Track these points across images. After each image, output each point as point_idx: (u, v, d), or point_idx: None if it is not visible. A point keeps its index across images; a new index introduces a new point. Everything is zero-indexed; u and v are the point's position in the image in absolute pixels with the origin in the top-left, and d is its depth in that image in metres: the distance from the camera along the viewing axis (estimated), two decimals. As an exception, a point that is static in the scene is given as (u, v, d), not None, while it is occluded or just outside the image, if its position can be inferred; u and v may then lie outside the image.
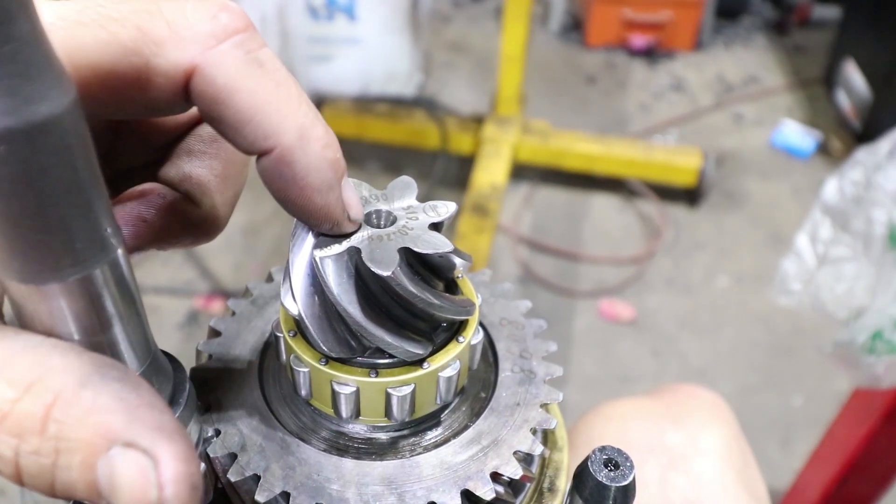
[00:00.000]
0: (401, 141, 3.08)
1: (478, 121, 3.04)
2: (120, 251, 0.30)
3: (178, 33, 0.32)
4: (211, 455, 0.39)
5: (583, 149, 2.96)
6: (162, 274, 2.62)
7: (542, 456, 0.46)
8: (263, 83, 0.33)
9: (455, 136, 3.02)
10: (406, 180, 0.41)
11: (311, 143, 0.33)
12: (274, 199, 0.36)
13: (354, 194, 0.36)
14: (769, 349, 2.49)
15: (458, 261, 0.40)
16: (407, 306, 0.37)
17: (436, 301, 0.37)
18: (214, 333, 0.46)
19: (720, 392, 0.86)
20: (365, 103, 3.14)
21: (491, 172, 2.77)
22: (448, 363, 0.40)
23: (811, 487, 1.59)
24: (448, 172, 3.05)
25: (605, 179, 3.07)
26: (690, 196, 3.03)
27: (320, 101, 3.12)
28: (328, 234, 0.37)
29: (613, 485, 0.36)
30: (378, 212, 0.39)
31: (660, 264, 2.80)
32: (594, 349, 2.45)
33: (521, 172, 3.09)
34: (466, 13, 4.32)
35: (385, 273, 0.35)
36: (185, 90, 0.33)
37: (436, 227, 0.39)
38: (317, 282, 0.38)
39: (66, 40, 0.31)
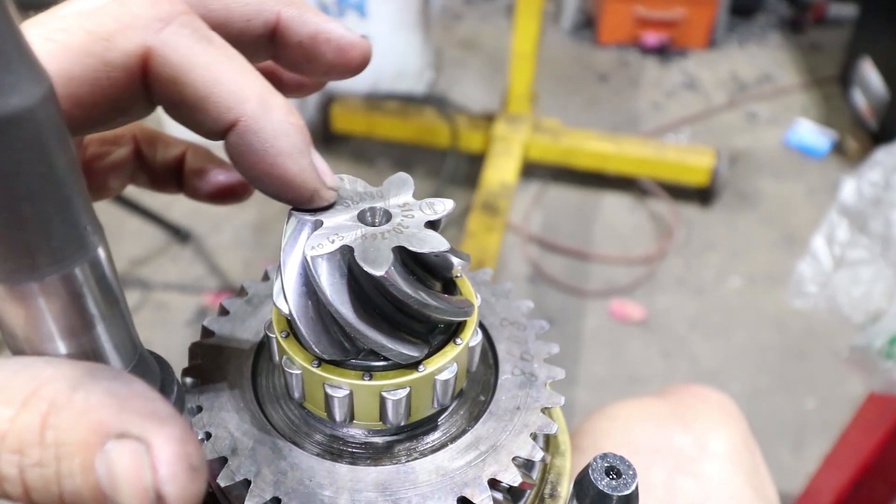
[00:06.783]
0: (411, 139, 3.07)
1: (488, 119, 3.02)
2: (100, 249, 0.29)
3: (125, 23, 0.32)
4: (200, 459, 0.38)
5: (594, 147, 2.94)
6: (171, 271, 2.62)
7: (543, 461, 0.45)
8: (217, 57, 0.33)
9: (465, 134, 3.01)
10: (403, 177, 0.40)
11: (274, 110, 0.33)
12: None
13: (324, 162, 0.36)
14: (781, 351, 2.46)
15: (455, 260, 0.38)
16: (401, 307, 0.36)
17: (431, 302, 0.36)
18: (208, 333, 0.45)
19: (731, 394, 0.84)
20: (375, 101, 3.13)
21: (501, 171, 2.76)
22: (445, 366, 0.38)
23: (824, 492, 1.56)
24: (458, 170, 3.04)
25: (616, 178, 3.04)
26: (703, 196, 2.99)
27: (330, 99, 3.11)
28: (308, 207, 0.37)
29: (615, 494, 0.34)
30: (373, 209, 0.38)
31: (671, 264, 2.77)
32: (604, 349, 2.43)
33: (532, 171, 3.06)
34: (478, 10, 4.30)
35: (378, 273, 0.34)
36: (143, 80, 0.33)
37: (432, 225, 0.37)
38: (309, 281, 0.36)
39: None
